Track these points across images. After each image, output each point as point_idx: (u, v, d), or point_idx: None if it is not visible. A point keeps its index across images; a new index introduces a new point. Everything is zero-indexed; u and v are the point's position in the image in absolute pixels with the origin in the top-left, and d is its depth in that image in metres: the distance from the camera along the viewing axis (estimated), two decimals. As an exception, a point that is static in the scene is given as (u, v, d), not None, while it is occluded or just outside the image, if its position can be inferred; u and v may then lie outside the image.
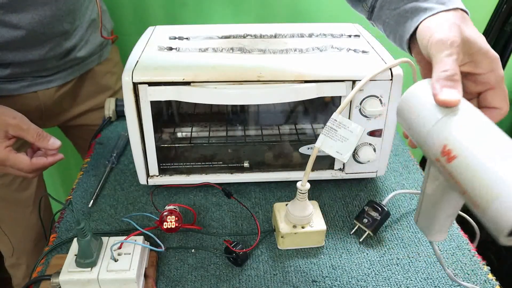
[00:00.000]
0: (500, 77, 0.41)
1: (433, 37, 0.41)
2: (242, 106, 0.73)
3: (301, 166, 0.69)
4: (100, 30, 0.81)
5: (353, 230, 0.61)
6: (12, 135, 0.60)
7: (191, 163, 0.68)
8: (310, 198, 0.59)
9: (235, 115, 0.74)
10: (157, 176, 0.67)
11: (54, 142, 0.63)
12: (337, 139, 0.54)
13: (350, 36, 0.71)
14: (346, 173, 0.68)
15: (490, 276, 0.55)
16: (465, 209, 1.28)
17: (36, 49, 0.72)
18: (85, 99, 0.90)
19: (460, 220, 0.66)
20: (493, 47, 1.05)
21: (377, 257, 0.58)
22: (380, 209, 0.60)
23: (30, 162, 0.61)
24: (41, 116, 0.84)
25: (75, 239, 0.51)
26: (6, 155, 0.60)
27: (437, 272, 0.56)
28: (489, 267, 0.57)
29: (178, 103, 0.71)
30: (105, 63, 0.91)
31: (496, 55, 0.41)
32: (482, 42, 0.41)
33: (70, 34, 0.78)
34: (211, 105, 0.73)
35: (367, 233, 0.60)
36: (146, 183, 0.67)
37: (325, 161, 0.68)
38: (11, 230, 0.89)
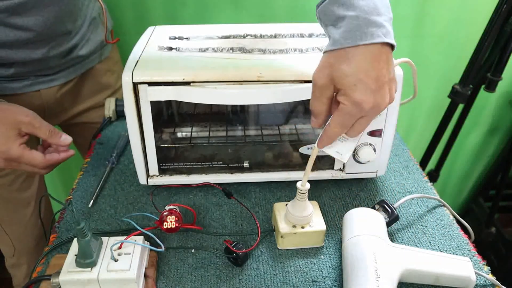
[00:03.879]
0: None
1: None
2: (242, 106, 0.73)
3: (301, 166, 0.69)
4: (105, 36, 0.82)
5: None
6: (25, 132, 0.62)
7: (191, 163, 0.68)
8: (310, 198, 0.59)
9: (235, 115, 0.74)
10: (157, 176, 0.67)
11: (66, 138, 0.64)
12: (337, 139, 0.54)
13: (350, 36, 0.71)
14: (346, 173, 0.68)
15: (490, 276, 0.55)
16: (462, 211, 1.28)
17: (39, 48, 0.73)
18: (86, 97, 0.91)
19: (458, 221, 0.67)
20: (493, 47, 1.05)
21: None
22: (390, 211, 0.60)
23: (44, 158, 0.63)
24: (44, 115, 0.85)
25: (75, 239, 0.51)
26: (20, 152, 0.61)
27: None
28: (489, 267, 0.57)
29: (178, 103, 0.71)
30: (105, 61, 0.92)
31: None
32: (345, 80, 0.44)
33: (73, 33, 0.78)
34: (211, 105, 0.73)
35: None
36: (146, 183, 0.67)
37: (325, 161, 0.68)
38: (12, 230, 0.89)
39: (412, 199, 0.68)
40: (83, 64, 0.85)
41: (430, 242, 0.60)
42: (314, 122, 0.49)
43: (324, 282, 0.55)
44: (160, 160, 0.65)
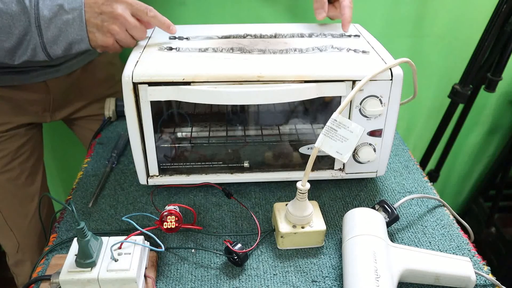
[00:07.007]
0: None
1: None
2: (242, 106, 0.73)
3: (301, 166, 0.69)
4: None
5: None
6: None
7: (191, 163, 0.68)
8: (310, 198, 0.59)
9: (235, 115, 0.74)
10: (157, 176, 0.67)
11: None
12: (337, 139, 0.54)
13: (350, 36, 0.71)
14: (346, 173, 0.68)
15: (490, 276, 0.55)
16: (462, 211, 1.28)
17: None
18: (89, 89, 0.93)
19: (458, 221, 0.67)
20: (493, 47, 1.05)
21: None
22: (390, 211, 0.60)
23: None
24: (49, 107, 0.87)
25: (75, 239, 0.51)
26: None
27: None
28: (489, 267, 0.57)
29: (178, 103, 0.71)
30: (104, 54, 0.94)
31: None
32: None
33: None
34: (211, 105, 0.73)
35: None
36: (146, 183, 0.67)
37: (325, 161, 0.68)
38: (16, 225, 0.90)
39: (412, 199, 0.68)
40: (85, 56, 0.88)
41: (430, 242, 0.60)
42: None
43: (324, 282, 0.55)
44: (160, 160, 0.65)
